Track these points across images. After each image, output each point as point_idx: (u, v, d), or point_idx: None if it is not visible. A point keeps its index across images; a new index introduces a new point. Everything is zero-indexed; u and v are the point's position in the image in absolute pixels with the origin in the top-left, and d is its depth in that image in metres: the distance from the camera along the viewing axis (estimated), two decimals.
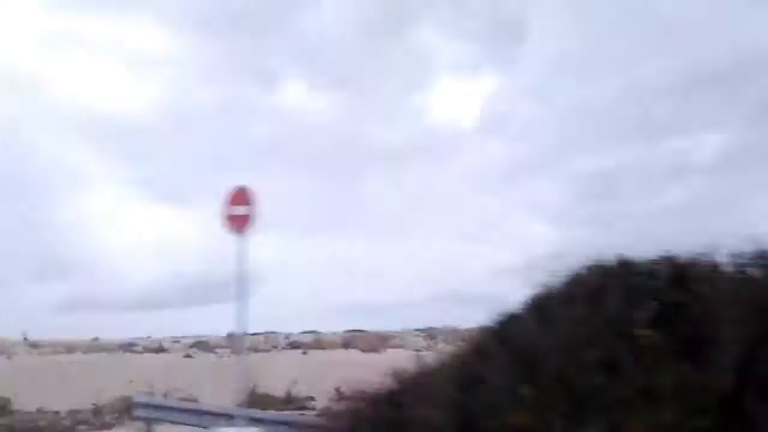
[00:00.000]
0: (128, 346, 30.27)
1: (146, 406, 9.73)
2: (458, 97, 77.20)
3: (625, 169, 69.76)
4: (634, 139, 73.39)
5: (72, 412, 14.61)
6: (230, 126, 71.46)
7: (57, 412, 14.87)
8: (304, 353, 24.95)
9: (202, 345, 27.91)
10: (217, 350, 25.12)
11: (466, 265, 67.97)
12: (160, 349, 28.39)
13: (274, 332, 34.45)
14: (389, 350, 24.46)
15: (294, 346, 29.42)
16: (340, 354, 24.70)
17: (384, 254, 66.04)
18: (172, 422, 9.40)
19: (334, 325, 34.27)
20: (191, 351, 26.99)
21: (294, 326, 34.53)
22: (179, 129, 71.98)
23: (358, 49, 73.33)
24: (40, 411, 14.90)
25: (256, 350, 25.68)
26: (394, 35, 73.84)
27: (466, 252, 68.32)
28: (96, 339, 32.38)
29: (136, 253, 61.46)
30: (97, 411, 14.36)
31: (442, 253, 67.64)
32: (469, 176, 74.58)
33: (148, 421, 9.49)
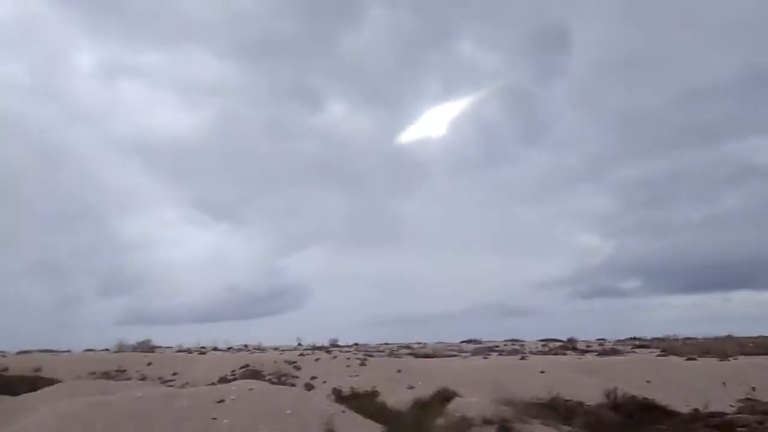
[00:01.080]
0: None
1: None
2: (501, 107, 76.95)
3: (678, 175, 67.80)
4: (687, 145, 71.28)
5: None
6: (276, 146, 72.63)
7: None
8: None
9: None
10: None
11: (512, 277, 66.66)
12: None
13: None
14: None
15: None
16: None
17: (427, 267, 65.22)
18: None
19: (380, 337, 33.46)
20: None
21: (341, 337, 33.61)
22: (229, 151, 73.31)
23: (398, 65, 73.87)
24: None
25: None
26: (434, 51, 73.94)
27: (510, 264, 67.10)
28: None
29: (191, 269, 62.52)
30: None
31: (486, 266, 66.58)
32: (513, 187, 73.60)
33: None
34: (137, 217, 72.78)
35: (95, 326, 48.51)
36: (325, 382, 18.85)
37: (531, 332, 39.14)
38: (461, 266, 64.15)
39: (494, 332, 38.04)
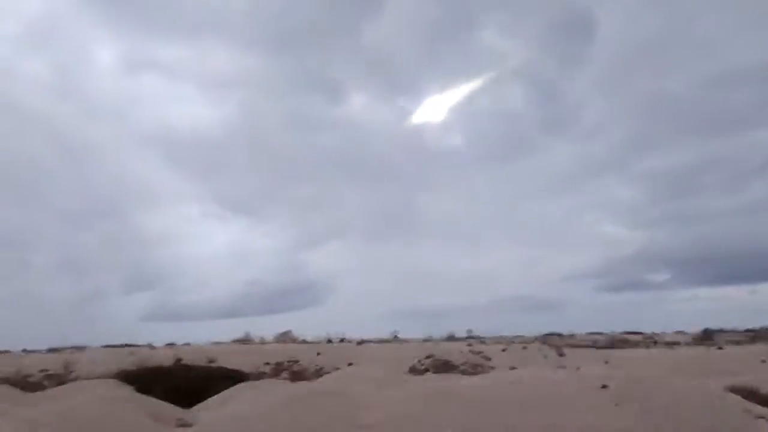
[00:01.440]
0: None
1: None
2: (524, 96, 75.56)
3: (706, 164, 66.26)
4: (715, 132, 69.57)
5: None
6: (298, 139, 71.64)
7: None
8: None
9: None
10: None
11: (537, 269, 65.37)
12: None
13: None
14: None
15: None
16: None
17: (450, 259, 64.03)
18: None
19: (409, 331, 32.63)
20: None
21: (362, 332, 32.71)
22: (251, 144, 72.31)
23: (419, 55, 72.53)
24: None
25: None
26: (456, 40, 72.59)
27: (535, 256, 65.77)
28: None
29: (213, 264, 61.69)
30: None
31: (510, 258, 65.32)
32: (537, 177, 72.27)
33: None
34: (159, 212, 72.19)
35: (120, 322, 47.89)
36: None
37: (557, 326, 38.27)
38: (484, 258, 63.15)
39: (520, 325, 36.83)
